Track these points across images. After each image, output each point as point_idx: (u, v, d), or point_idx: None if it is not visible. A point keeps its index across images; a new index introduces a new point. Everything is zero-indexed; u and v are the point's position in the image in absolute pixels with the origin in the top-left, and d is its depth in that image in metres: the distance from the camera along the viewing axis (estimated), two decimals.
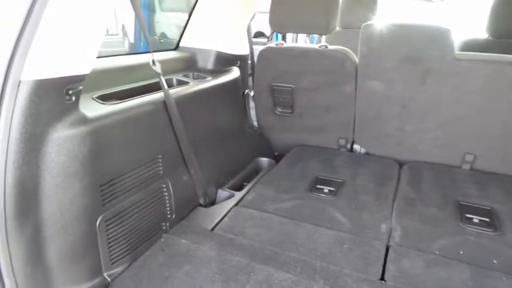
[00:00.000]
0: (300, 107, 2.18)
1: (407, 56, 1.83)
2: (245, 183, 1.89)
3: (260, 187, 1.78)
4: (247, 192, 1.73)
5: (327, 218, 1.53)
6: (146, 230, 1.35)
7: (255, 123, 2.40)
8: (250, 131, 2.32)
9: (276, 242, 1.38)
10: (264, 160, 2.19)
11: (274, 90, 2.18)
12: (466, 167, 1.94)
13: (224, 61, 2.06)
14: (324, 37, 2.00)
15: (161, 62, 1.41)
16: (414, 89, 1.88)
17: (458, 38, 3.04)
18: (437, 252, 1.33)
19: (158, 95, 1.42)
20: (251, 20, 2.23)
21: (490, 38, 2.86)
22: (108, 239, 1.20)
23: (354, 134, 2.16)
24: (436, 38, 1.77)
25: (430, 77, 1.83)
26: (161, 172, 1.43)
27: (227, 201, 1.67)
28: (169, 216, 1.46)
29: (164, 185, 1.44)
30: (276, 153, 2.42)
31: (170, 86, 1.61)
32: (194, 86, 1.69)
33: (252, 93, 2.30)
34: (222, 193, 1.75)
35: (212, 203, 1.71)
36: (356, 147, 2.21)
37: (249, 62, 2.37)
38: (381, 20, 2.19)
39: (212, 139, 1.82)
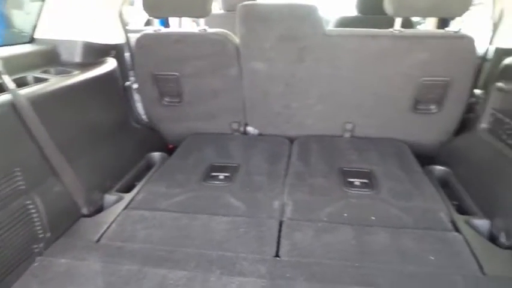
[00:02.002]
0: (188, 95, 2.10)
1: (284, 35, 1.88)
2: (136, 183, 1.76)
3: (151, 185, 1.67)
4: (138, 193, 1.62)
5: (222, 205, 1.51)
6: (11, 258, 1.16)
7: (144, 117, 2.25)
8: (138, 125, 2.17)
9: (170, 240, 1.31)
10: (156, 155, 2.07)
11: (158, 80, 2.05)
12: (347, 135, 2.11)
13: (95, 52, 1.86)
14: (202, 20, 1.94)
15: (10, 57, 1.20)
16: (294, 66, 1.95)
17: (333, 16, 3.27)
18: (325, 219, 1.41)
19: (2, 97, 1.20)
20: (123, 5, 2.04)
21: (359, 15, 3.12)
22: None
23: (246, 117, 2.17)
24: (306, 16, 1.84)
25: (306, 54, 1.90)
26: (23, 188, 1.23)
27: (115, 206, 1.53)
28: (41, 236, 1.28)
29: (29, 202, 1.24)
30: (171, 146, 2.32)
31: (24, 84, 1.39)
32: (56, 83, 1.49)
33: (135, 85, 2.13)
34: (109, 198, 1.60)
35: (99, 210, 1.55)
36: (249, 129, 2.23)
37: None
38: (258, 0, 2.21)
39: (89, 140, 1.64)
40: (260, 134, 2.22)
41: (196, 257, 1.21)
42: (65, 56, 1.75)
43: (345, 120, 2.08)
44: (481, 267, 1.18)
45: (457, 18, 1.76)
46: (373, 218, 1.42)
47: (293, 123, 2.13)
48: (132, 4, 3.08)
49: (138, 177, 1.83)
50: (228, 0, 3.47)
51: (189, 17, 2.22)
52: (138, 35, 2.00)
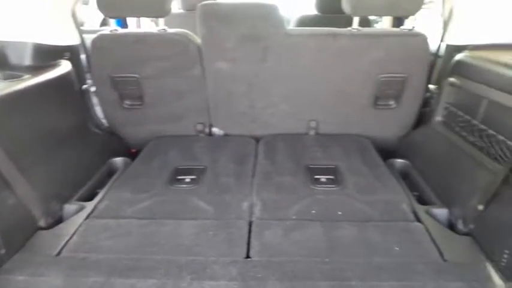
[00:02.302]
0: (150, 97, 2.04)
1: (246, 35, 1.87)
2: (98, 191, 1.69)
3: (114, 191, 1.61)
4: (100, 200, 1.55)
5: (190, 209, 1.48)
6: None
7: (104, 121, 2.16)
8: (98, 130, 2.08)
9: (137, 248, 1.26)
10: (118, 160, 1.99)
11: (117, 82, 1.98)
12: (312, 132, 2.14)
13: (47, 54, 1.76)
14: (161, 20, 1.89)
15: None
16: (257, 66, 1.95)
17: (293, 15, 3.31)
18: (293, 217, 1.42)
19: None
20: (76, 4, 1.94)
21: (318, 14, 3.18)
22: None
23: (211, 117, 2.14)
24: (268, 15, 1.84)
25: (269, 54, 1.91)
26: None
27: (76, 216, 1.45)
28: None
29: None
30: (134, 150, 2.24)
31: None
32: (4, 89, 1.39)
33: (93, 88, 2.04)
34: (69, 207, 1.52)
35: (58, 221, 1.47)
36: (215, 130, 2.21)
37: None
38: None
39: (44, 147, 1.55)
40: (226, 135, 2.21)
41: (165, 264, 1.17)
42: (13, 59, 1.64)
43: (309, 118, 2.11)
44: (441, 254, 1.24)
45: (411, 17, 1.83)
46: (339, 213, 1.45)
47: (258, 122, 2.13)
48: (86, 3, 2.94)
49: (100, 185, 1.75)
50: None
51: (148, 16, 2.16)
52: (94, 35, 1.91)
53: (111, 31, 1.90)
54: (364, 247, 1.27)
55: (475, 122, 1.59)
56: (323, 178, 1.70)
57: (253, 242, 1.29)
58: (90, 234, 1.33)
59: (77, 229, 1.36)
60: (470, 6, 1.79)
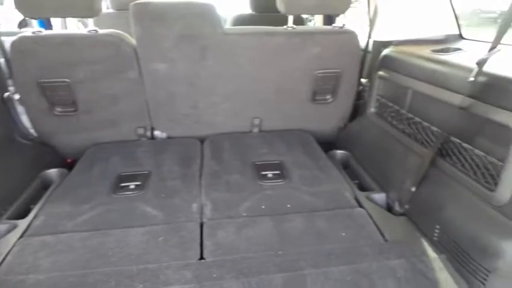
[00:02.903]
0: (84, 103, 1.92)
1: (183, 34, 1.84)
2: (32, 206, 1.55)
3: (51, 205, 1.49)
4: (35, 217, 1.43)
5: (138, 216, 1.43)
6: None
7: (32, 131, 1.99)
8: (25, 141, 1.91)
9: (82, 263, 1.19)
10: (53, 172, 1.85)
11: (45, 88, 1.83)
12: (256, 130, 2.17)
13: None
14: (91, 20, 1.79)
15: None
16: (197, 66, 1.92)
17: (229, 14, 3.32)
18: (244, 215, 1.43)
19: None
20: None
21: (253, 13, 3.22)
22: None
23: (151, 120, 2.07)
24: (204, 14, 1.83)
25: (208, 53, 1.89)
26: None
27: (8, 236, 1.32)
28: None
29: None
30: (69, 160, 2.09)
31: None
32: None
33: (16, 96, 1.87)
34: (0, 227, 1.38)
35: None
36: (157, 133, 2.14)
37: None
38: None
39: None
40: (169, 137, 2.15)
41: (115, 275, 1.12)
42: None
43: (252, 116, 2.14)
44: (382, 235, 1.33)
45: (341, 15, 1.94)
46: (288, 206, 1.50)
47: (202, 123, 2.11)
48: (1, 3, 2.67)
49: (34, 200, 1.61)
50: None
51: (75, 17, 2.03)
52: (13, 38, 1.75)
53: (33, 32, 1.75)
54: (313, 236, 1.32)
55: (403, 111, 1.74)
56: (270, 174, 1.73)
57: (206, 243, 1.28)
58: (26, 254, 1.22)
59: (10, 250, 1.24)
60: (392, 5, 1.94)
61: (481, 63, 1.15)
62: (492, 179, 1.16)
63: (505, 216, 1.10)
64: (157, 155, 1.92)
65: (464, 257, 1.16)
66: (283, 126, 2.20)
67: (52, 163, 1.92)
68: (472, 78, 1.18)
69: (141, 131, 2.07)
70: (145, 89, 1.95)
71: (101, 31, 1.80)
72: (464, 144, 1.30)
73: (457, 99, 1.28)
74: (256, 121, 2.15)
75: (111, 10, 3.35)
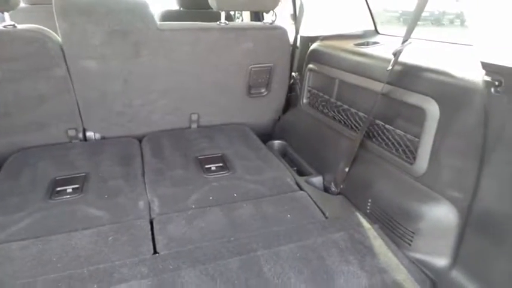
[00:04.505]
0: (3, 104, 1.75)
1: (114, 30, 1.78)
2: None
3: None
4: None
5: (81, 219, 1.36)
6: None
7: None
8: None
9: (25, 272, 1.11)
10: None
11: None
12: (194, 125, 2.19)
13: None
14: (7, 15, 1.64)
15: None
16: (130, 62, 1.87)
17: (156, 10, 3.26)
18: (193, 207, 1.46)
19: None
20: None
21: (181, 9, 3.20)
22: None
23: (83, 121, 1.97)
24: (136, 10, 1.79)
25: (142, 49, 1.86)
26: None
27: None
28: None
29: None
30: None
31: None
32: None
33: None
34: None
35: None
36: (89, 134, 2.04)
37: None
38: None
39: None
40: (103, 138, 2.06)
41: (65, 280, 1.07)
42: None
43: (190, 112, 2.15)
44: (323, 213, 1.46)
45: (270, 12, 2.04)
46: (235, 195, 1.55)
47: (138, 121, 2.06)
48: None
49: None
50: None
51: None
52: None
53: None
54: (261, 220, 1.40)
55: (332, 100, 1.90)
56: (213, 166, 1.77)
57: (158, 238, 1.27)
58: None
59: None
60: (316, 2, 2.10)
61: (396, 54, 1.32)
62: (411, 153, 1.35)
63: (423, 184, 1.28)
64: (93, 156, 1.84)
65: (393, 223, 1.33)
66: (221, 121, 2.24)
67: None
68: (390, 67, 1.35)
69: (72, 132, 1.96)
70: (75, 88, 1.85)
71: (19, 26, 1.66)
72: (387, 126, 1.48)
73: (378, 86, 1.45)
74: (194, 116, 2.17)
75: (23, 5, 3.06)
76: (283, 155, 2.10)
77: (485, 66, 1.01)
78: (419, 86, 1.29)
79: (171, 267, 1.13)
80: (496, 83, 0.98)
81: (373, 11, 2.03)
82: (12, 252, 1.18)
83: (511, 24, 0.89)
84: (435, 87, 1.22)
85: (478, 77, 1.06)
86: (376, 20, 2.05)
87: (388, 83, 1.41)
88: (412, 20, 1.30)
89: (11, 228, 1.30)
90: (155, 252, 1.22)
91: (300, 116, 2.20)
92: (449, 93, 1.17)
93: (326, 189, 1.71)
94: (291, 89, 2.32)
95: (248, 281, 1.09)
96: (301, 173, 1.87)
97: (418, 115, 1.29)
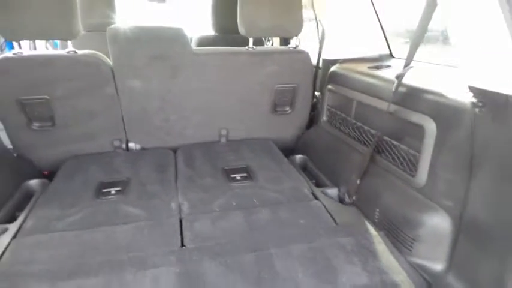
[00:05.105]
0: (62, 118, 2.07)
1: (155, 55, 2.06)
2: (18, 213, 1.67)
3: (39, 210, 1.62)
4: (25, 219, 1.56)
5: (122, 216, 1.60)
6: None
7: (10, 146, 2.09)
8: (6, 154, 2.01)
9: (76, 255, 1.34)
10: (34, 182, 1.96)
11: (24, 105, 1.96)
12: (223, 139, 2.41)
13: None
14: (69, 42, 1.96)
15: None
16: (168, 83, 2.14)
17: (193, 35, 3.57)
18: (217, 210, 1.65)
19: None
20: None
21: (216, 34, 3.49)
22: None
23: (126, 133, 2.25)
24: (174, 37, 2.06)
25: (178, 71, 2.12)
26: None
27: (1, 237, 1.45)
28: None
29: None
30: (46, 172, 2.21)
31: None
32: None
33: None
34: None
35: None
36: (131, 145, 2.31)
37: None
38: (123, 21, 2.32)
39: None
40: (143, 148, 2.33)
41: (107, 263, 1.29)
42: None
43: (220, 127, 2.38)
44: (334, 221, 1.60)
45: (295, 37, 2.25)
46: (255, 201, 1.73)
47: (173, 134, 2.31)
48: None
49: (19, 207, 1.73)
50: (86, 19, 3.41)
51: (55, 39, 2.18)
52: None
53: (14, 54, 1.89)
54: (277, 224, 1.56)
55: (349, 118, 2.05)
56: (238, 176, 1.97)
57: (186, 233, 1.48)
58: (22, 251, 1.36)
59: (6, 248, 1.37)
60: (336, 30, 2.29)
61: (399, 77, 1.47)
62: (413, 167, 1.47)
63: (423, 195, 1.40)
64: (134, 163, 2.09)
65: (396, 231, 1.45)
66: (247, 135, 2.45)
67: (30, 175, 2.03)
68: (393, 89, 1.50)
69: (117, 143, 2.24)
70: (121, 104, 2.13)
71: (79, 52, 1.98)
72: (394, 142, 1.62)
73: (386, 106, 1.60)
74: (224, 131, 2.39)
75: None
76: (304, 168, 2.26)
77: (472, 89, 1.14)
78: (419, 105, 1.43)
79: (195, 258, 1.32)
80: (480, 104, 1.11)
81: (399, 32, 2.18)
82: (67, 238, 1.43)
83: (493, 49, 1.02)
84: (432, 107, 1.36)
85: (467, 98, 1.20)
86: (403, 40, 2.20)
87: (394, 103, 1.55)
88: (413, 45, 1.45)
89: (66, 220, 1.55)
90: (182, 245, 1.42)
91: (320, 132, 2.36)
92: (444, 112, 1.30)
93: (341, 200, 1.84)
94: (314, 107, 2.50)
95: (260, 273, 1.26)
96: (318, 185, 2.03)
97: (418, 132, 1.42)
